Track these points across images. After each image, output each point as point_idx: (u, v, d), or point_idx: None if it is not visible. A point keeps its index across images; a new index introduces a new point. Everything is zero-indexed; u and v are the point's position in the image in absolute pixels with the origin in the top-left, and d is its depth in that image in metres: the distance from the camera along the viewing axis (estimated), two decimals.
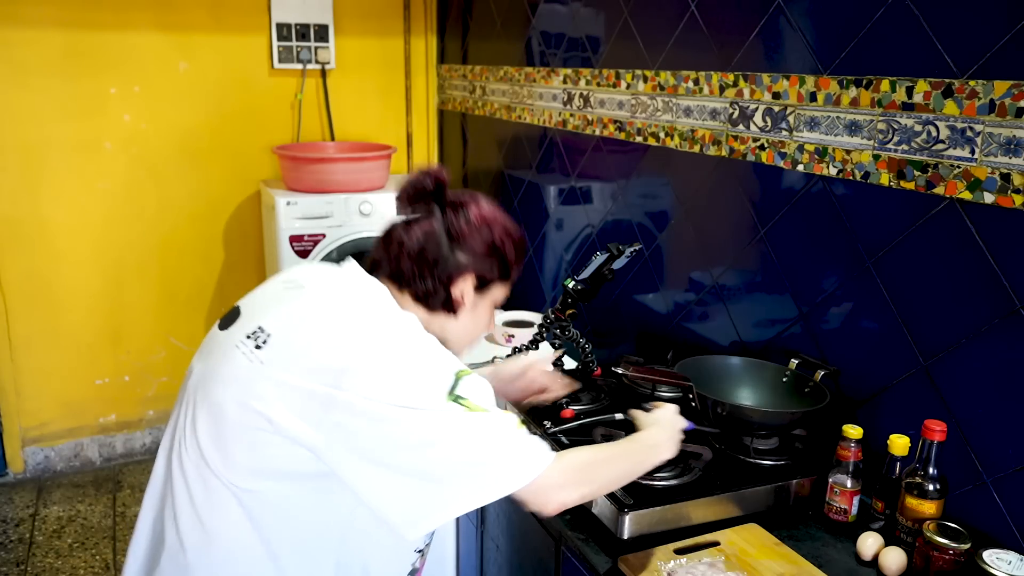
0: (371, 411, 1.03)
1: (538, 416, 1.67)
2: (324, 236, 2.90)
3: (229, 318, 1.20)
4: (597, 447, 1.29)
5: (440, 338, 1.21)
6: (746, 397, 1.68)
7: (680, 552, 1.31)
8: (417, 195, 1.24)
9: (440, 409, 1.06)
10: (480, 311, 1.28)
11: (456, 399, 1.07)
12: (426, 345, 1.13)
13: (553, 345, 1.92)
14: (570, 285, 1.82)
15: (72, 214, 3.06)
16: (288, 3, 3.17)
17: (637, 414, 1.39)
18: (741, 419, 1.53)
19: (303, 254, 2.89)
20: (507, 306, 2.87)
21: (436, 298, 1.22)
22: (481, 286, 1.25)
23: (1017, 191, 1.25)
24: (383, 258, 1.23)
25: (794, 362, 1.65)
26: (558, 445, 1.55)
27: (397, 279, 1.22)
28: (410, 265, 1.20)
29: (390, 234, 1.24)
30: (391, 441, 1.04)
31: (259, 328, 1.12)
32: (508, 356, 1.91)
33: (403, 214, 1.25)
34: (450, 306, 1.24)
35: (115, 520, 2.91)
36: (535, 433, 1.15)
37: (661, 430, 1.32)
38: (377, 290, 1.19)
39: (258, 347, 1.10)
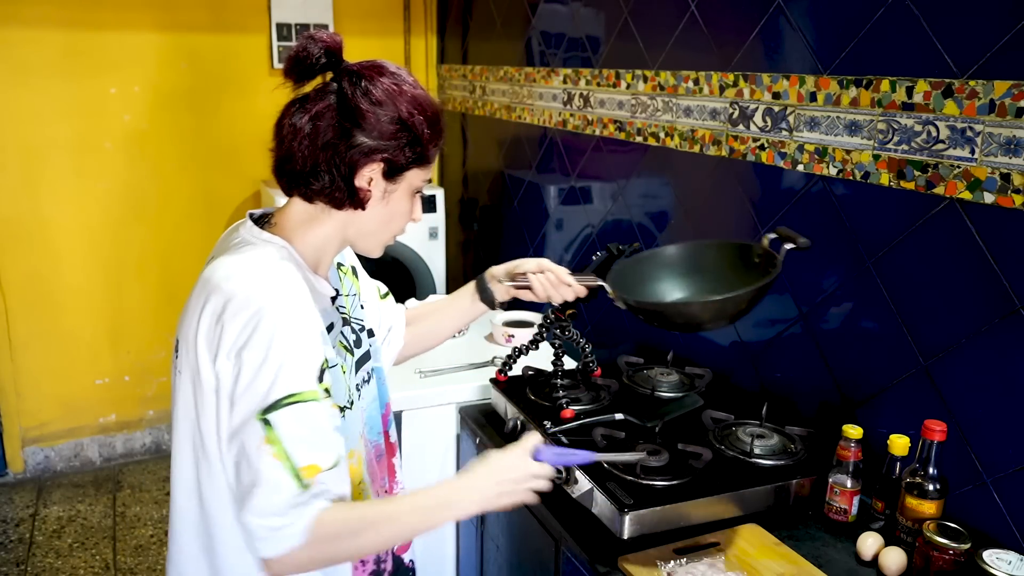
0: (224, 391, 1.01)
1: (539, 416, 1.67)
2: None
3: None
4: (367, 508, 1.09)
5: (354, 236, 1.13)
6: (683, 291, 1.48)
7: (680, 552, 1.31)
8: (304, 68, 1.05)
9: (244, 419, 0.99)
10: (395, 202, 1.12)
11: (265, 422, 0.98)
12: (282, 344, 0.99)
13: (553, 345, 1.92)
14: None
15: (72, 214, 3.06)
16: (288, 3, 3.17)
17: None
18: (669, 319, 1.37)
19: None
20: (507, 306, 2.87)
21: (340, 192, 1.07)
22: (392, 172, 1.08)
23: (1017, 191, 1.25)
24: (279, 153, 1.08)
25: (768, 237, 1.39)
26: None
27: (296, 180, 1.08)
28: (304, 155, 1.05)
29: (281, 121, 1.08)
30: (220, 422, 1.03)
31: (177, 340, 1.11)
32: (508, 356, 1.91)
33: (294, 92, 1.08)
34: (356, 199, 1.08)
35: (115, 520, 2.91)
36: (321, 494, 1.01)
37: (477, 479, 1.11)
38: (264, 266, 1.05)
39: (176, 357, 1.10)
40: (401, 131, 1.06)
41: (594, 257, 1.78)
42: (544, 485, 1.15)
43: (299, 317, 1.02)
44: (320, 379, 1.03)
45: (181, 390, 1.08)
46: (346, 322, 1.22)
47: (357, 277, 1.33)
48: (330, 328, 1.14)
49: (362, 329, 1.26)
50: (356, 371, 1.21)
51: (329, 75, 1.08)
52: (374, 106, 1.04)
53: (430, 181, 1.15)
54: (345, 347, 1.19)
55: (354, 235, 1.14)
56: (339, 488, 1.04)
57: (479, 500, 1.11)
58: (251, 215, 1.16)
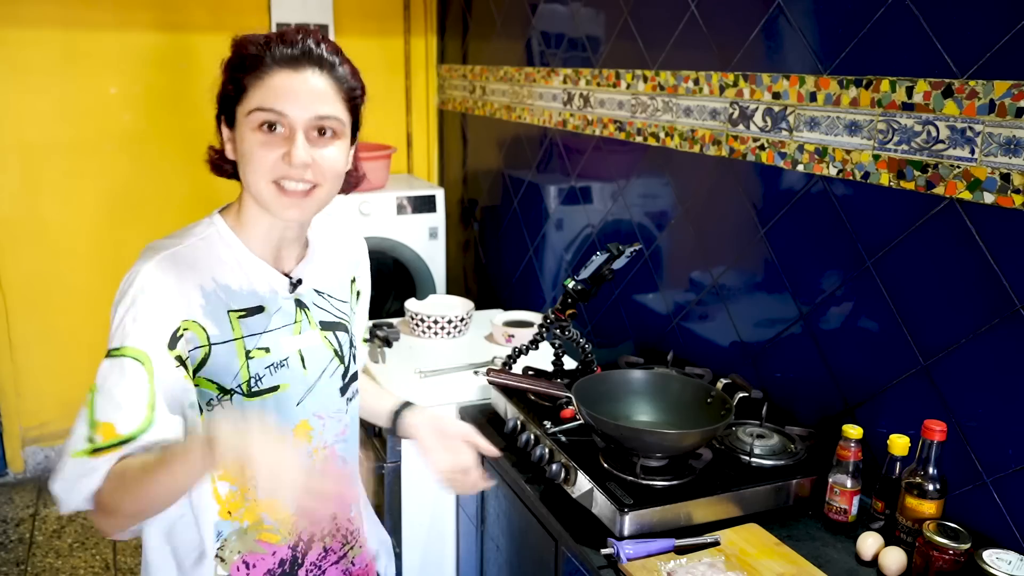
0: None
1: (539, 416, 1.67)
2: None
3: None
4: (136, 470, 1.00)
5: (252, 198, 1.09)
6: (644, 414, 1.60)
7: (680, 552, 1.31)
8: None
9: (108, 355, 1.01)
10: (241, 141, 1.06)
11: (111, 355, 1.00)
12: (133, 298, 1.02)
13: (553, 345, 1.92)
14: (570, 285, 1.82)
15: (72, 214, 3.06)
16: (288, 3, 3.17)
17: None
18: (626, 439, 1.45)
19: None
20: (507, 306, 2.87)
21: (216, 160, 1.13)
22: (227, 118, 1.08)
23: (1017, 191, 1.25)
24: None
25: (723, 382, 1.62)
26: (557, 445, 1.55)
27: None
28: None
29: None
30: None
31: None
32: (508, 356, 1.92)
33: None
34: (222, 158, 1.12)
35: None
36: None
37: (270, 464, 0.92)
38: (177, 236, 1.11)
39: None
40: (222, 77, 1.07)
41: (594, 257, 1.79)
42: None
43: (159, 279, 1.03)
44: (171, 346, 1.01)
45: None
46: (334, 326, 1.20)
47: (358, 301, 1.32)
48: (257, 311, 1.10)
49: (340, 328, 1.22)
50: (322, 375, 1.18)
51: None
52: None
53: (273, 111, 1.03)
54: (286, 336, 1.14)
55: (250, 196, 1.10)
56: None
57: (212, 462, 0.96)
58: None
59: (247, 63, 1.04)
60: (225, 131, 1.09)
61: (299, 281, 1.16)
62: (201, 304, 1.06)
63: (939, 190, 1.36)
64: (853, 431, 1.39)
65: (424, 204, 3.08)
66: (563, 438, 1.58)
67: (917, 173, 1.40)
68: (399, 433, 1.32)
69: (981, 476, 1.34)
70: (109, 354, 1.01)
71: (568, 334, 1.86)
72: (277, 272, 1.14)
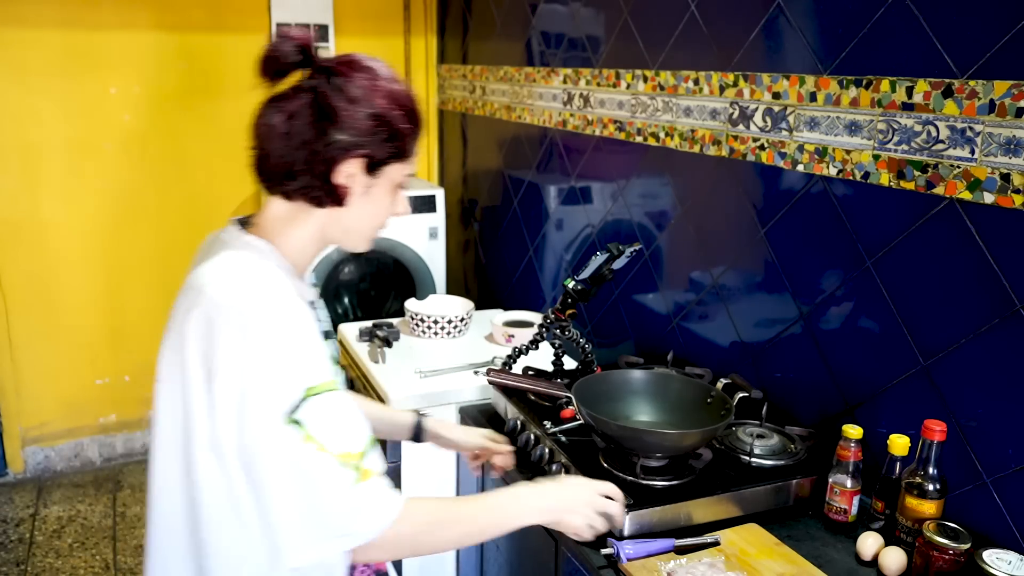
0: (219, 411, 0.98)
1: (539, 416, 1.67)
2: None
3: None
4: (447, 502, 1.14)
5: (338, 234, 1.12)
6: (645, 414, 1.60)
7: (680, 552, 1.31)
8: (278, 69, 1.04)
9: (265, 429, 0.96)
10: (377, 196, 1.11)
11: (296, 423, 0.96)
12: (286, 345, 0.98)
13: (553, 345, 1.92)
14: (570, 285, 1.82)
15: (72, 214, 3.06)
16: (288, 3, 3.17)
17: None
18: (627, 439, 1.45)
19: None
20: (507, 306, 2.87)
21: (318, 190, 1.06)
22: (372, 167, 1.08)
23: (1017, 191, 1.25)
24: (256, 153, 1.08)
25: (723, 382, 1.63)
26: (557, 445, 1.55)
27: (274, 180, 1.08)
28: (280, 155, 1.05)
29: (257, 120, 1.08)
30: (226, 449, 0.99)
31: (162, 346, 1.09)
32: (508, 356, 1.92)
33: (270, 91, 1.08)
34: (335, 196, 1.07)
35: (115, 520, 2.91)
36: (391, 484, 1.04)
37: (544, 490, 1.23)
38: (245, 270, 1.04)
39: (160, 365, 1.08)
40: (379, 126, 1.05)
41: (594, 257, 1.79)
42: (615, 509, 1.26)
43: (290, 316, 1.01)
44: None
45: (167, 399, 1.04)
46: (329, 335, 1.22)
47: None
48: (326, 335, 1.15)
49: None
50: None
51: (303, 73, 1.07)
52: (349, 103, 1.04)
53: (413, 175, 1.16)
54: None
55: (338, 233, 1.13)
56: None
57: (543, 509, 1.21)
58: (233, 219, 1.15)
59: (419, 133, 1.12)
60: (363, 177, 1.08)
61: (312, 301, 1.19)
62: (317, 327, 1.07)
63: (939, 190, 1.36)
64: (853, 431, 1.39)
65: (424, 204, 3.08)
66: (563, 438, 1.57)
67: (917, 173, 1.40)
68: (425, 439, 1.52)
69: (981, 476, 1.34)
70: (301, 402, 0.97)
71: (568, 334, 1.86)
72: (311, 295, 1.17)
